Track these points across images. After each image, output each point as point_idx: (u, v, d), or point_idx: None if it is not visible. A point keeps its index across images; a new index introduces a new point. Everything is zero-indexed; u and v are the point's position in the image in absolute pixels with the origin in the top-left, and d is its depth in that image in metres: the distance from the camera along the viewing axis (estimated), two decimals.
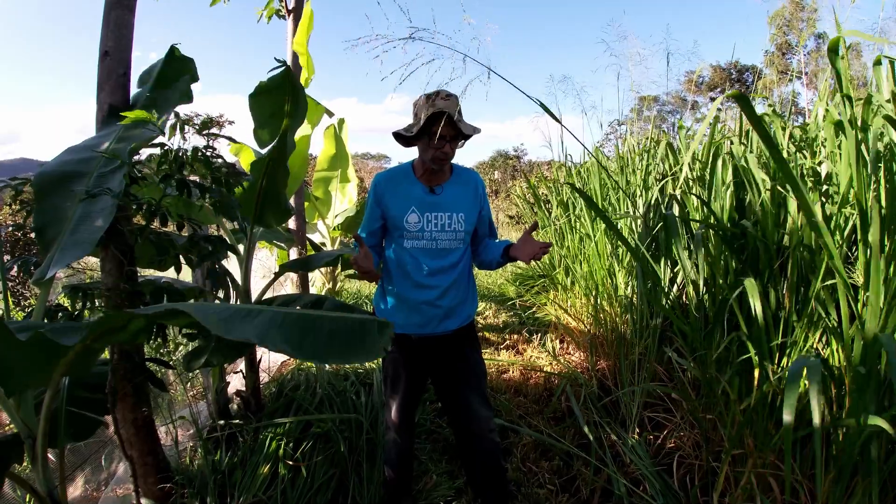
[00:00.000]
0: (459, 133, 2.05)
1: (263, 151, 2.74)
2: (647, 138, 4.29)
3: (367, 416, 2.97)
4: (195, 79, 2.67)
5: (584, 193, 2.61)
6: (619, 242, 3.88)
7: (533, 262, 2.77)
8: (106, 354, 2.31)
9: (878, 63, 2.15)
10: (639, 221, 3.57)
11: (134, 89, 2.46)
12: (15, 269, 2.19)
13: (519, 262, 3.27)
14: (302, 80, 4.24)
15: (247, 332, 1.24)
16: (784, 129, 2.68)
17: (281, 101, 2.61)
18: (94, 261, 4.92)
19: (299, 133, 3.46)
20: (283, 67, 2.47)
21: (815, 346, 2.16)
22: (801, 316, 2.21)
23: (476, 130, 2.10)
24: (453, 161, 2.23)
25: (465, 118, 2.12)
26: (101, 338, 1.36)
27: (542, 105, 2.28)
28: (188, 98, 2.55)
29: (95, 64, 2.32)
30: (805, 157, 2.57)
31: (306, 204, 5.62)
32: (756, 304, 2.05)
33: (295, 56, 4.48)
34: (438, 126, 1.99)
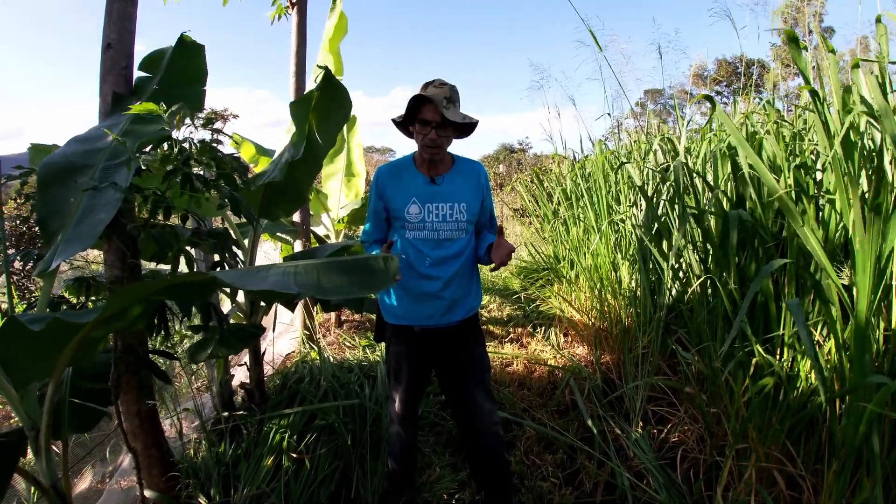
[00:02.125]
0: (446, 121, 2.01)
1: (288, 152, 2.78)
2: (647, 133, 4.28)
3: (371, 408, 2.98)
4: (204, 74, 2.66)
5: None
6: (627, 229, 3.87)
7: (537, 256, 2.78)
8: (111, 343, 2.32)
9: (856, 66, 2.15)
10: (641, 215, 3.56)
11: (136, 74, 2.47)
12: (18, 262, 2.19)
13: (524, 256, 3.27)
14: None
15: (263, 284, 1.25)
16: (778, 123, 2.69)
17: (319, 102, 2.64)
18: (96, 253, 4.93)
19: None
20: (323, 70, 2.53)
21: (816, 339, 2.16)
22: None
23: (468, 119, 2.09)
24: (456, 153, 2.24)
25: (471, 111, 2.12)
26: (102, 324, 1.36)
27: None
28: (199, 102, 2.54)
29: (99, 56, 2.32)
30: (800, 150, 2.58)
31: (311, 197, 5.62)
32: (731, 285, 2.04)
33: (300, 48, 4.49)
34: (423, 111, 2.01)
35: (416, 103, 2.02)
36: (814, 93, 2.02)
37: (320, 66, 2.59)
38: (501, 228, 2.16)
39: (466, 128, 2.17)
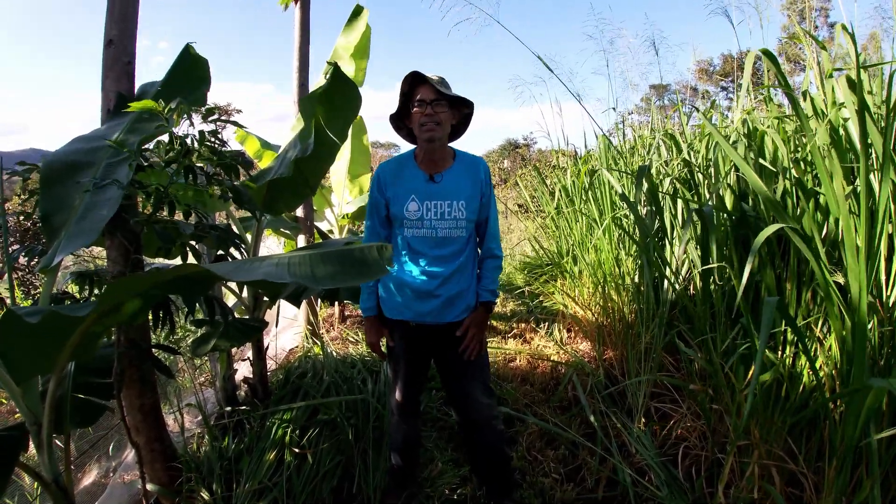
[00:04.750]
0: (441, 95, 2.08)
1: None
2: (651, 129, 4.27)
3: (373, 403, 2.98)
4: (207, 82, 2.70)
5: None
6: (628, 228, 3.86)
7: (541, 251, 2.79)
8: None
9: (829, 76, 2.22)
10: (644, 210, 3.55)
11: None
12: (23, 258, 2.21)
13: (527, 252, 3.30)
14: None
15: (256, 275, 1.26)
16: (780, 118, 2.69)
17: (328, 97, 2.67)
18: (100, 249, 4.95)
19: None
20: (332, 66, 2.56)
21: (817, 334, 2.15)
22: (800, 303, 2.21)
23: (462, 99, 2.16)
24: (459, 148, 2.25)
25: (476, 105, 2.21)
26: (102, 318, 1.37)
27: (540, 59, 2.40)
28: (202, 103, 2.56)
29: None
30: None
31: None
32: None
33: (303, 43, 4.50)
34: (417, 93, 2.10)
35: (410, 88, 2.13)
36: (790, 94, 2.07)
37: (330, 63, 2.61)
38: (490, 306, 2.32)
39: (463, 120, 2.25)
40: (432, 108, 2.06)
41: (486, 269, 2.32)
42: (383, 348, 2.41)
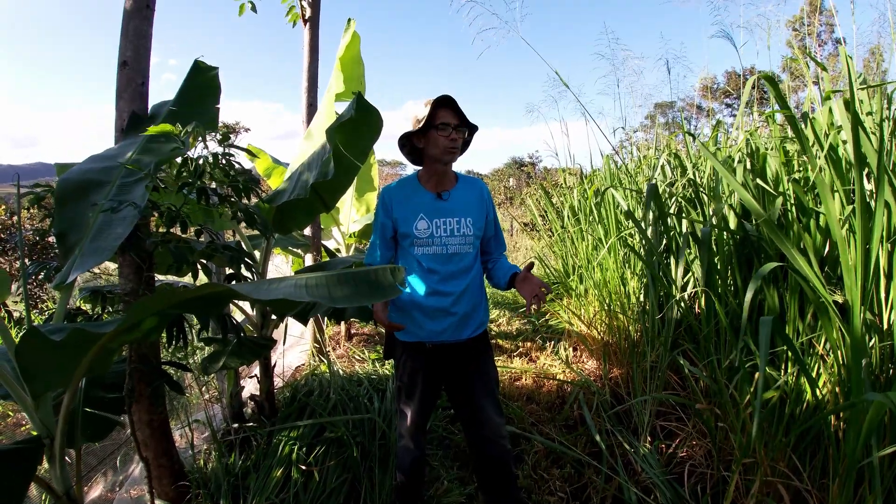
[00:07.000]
0: (463, 122, 2.13)
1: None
2: (655, 148, 4.30)
3: (379, 422, 3.00)
4: (217, 94, 2.76)
5: None
6: (634, 246, 3.88)
7: (547, 270, 2.80)
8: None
9: (828, 97, 2.24)
10: (650, 229, 3.57)
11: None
12: (40, 274, 2.24)
13: (533, 271, 3.31)
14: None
15: (276, 294, 1.30)
16: (782, 137, 2.72)
17: (351, 124, 2.72)
18: (113, 267, 4.99)
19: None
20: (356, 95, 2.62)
21: (820, 352, 2.17)
22: (804, 321, 2.22)
23: (475, 127, 2.22)
24: (465, 168, 2.29)
25: (482, 123, 2.22)
26: (119, 335, 1.40)
27: (557, 74, 2.46)
28: (214, 121, 2.62)
29: (115, 68, 2.38)
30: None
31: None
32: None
33: (312, 64, 4.57)
34: (440, 115, 2.11)
35: (435, 108, 2.11)
36: (791, 118, 2.10)
37: (353, 92, 2.66)
38: (531, 264, 2.20)
39: (463, 144, 2.29)
40: (456, 133, 2.11)
41: (505, 262, 2.39)
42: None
